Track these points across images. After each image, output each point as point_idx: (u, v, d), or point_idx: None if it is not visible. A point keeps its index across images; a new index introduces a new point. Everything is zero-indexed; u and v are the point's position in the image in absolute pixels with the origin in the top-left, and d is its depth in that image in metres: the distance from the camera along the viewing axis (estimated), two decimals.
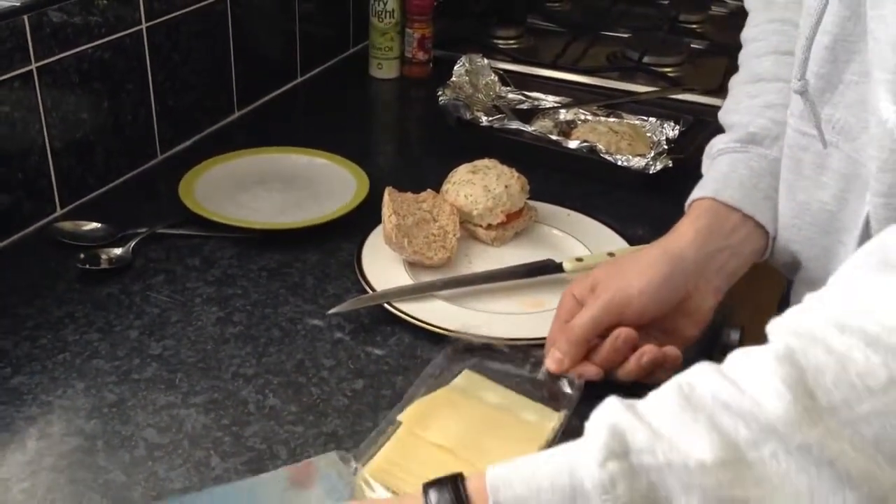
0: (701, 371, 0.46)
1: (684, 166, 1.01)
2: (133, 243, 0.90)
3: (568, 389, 0.70)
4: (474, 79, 1.21)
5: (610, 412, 0.46)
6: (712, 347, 0.94)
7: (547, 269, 0.86)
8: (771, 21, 0.79)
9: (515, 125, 1.09)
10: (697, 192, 0.76)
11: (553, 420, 0.67)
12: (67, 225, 0.92)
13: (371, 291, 0.82)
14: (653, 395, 0.46)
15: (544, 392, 0.70)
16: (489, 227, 0.91)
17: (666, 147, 1.07)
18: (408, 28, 1.33)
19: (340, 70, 1.39)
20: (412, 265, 0.86)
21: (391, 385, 0.73)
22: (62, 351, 0.76)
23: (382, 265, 0.86)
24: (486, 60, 1.23)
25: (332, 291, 0.85)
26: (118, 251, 0.88)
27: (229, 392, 0.72)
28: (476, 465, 0.61)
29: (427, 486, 0.50)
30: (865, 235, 0.61)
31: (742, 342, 1.00)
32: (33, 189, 0.92)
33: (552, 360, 0.70)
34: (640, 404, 0.46)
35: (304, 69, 1.33)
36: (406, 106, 1.35)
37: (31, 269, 0.86)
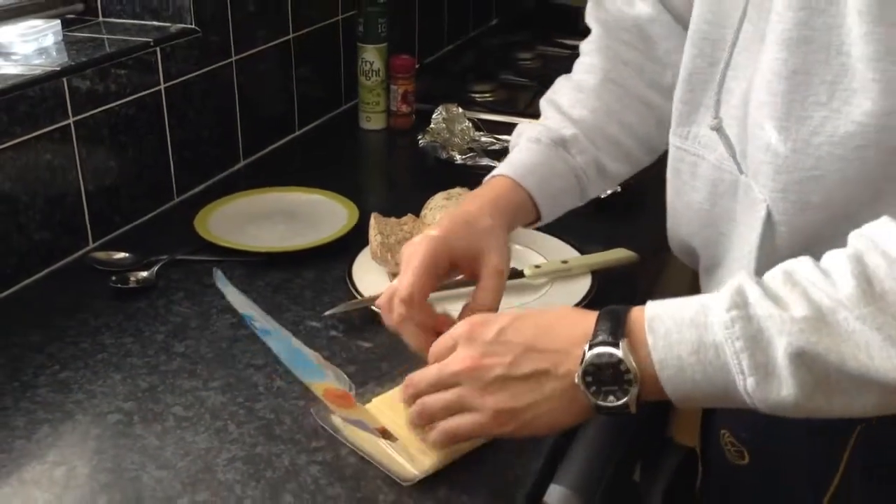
0: (800, 260, 0.62)
1: (631, 192, 1.17)
2: (156, 267, 1.04)
3: None
4: (451, 125, 1.37)
5: (738, 278, 0.62)
6: None
7: (510, 275, 1.00)
8: (608, 48, 0.94)
9: (486, 161, 1.25)
10: (504, 169, 0.89)
11: None
12: (100, 254, 1.07)
13: (361, 298, 0.97)
14: (766, 275, 0.62)
15: None
16: None
17: None
18: (392, 85, 1.51)
19: (333, 124, 1.56)
20: (395, 276, 1.01)
21: (377, 369, 0.88)
22: (101, 351, 0.90)
23: (370, 277, 1.01)
24: (460, 109, 1.39)
25: (328, 300, 0.99)
26: (144, 274, 1.03)
27: (242, 378, 0.86)
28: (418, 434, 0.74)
29: (601, 312, 0.65)
30: (768, 227, 0.72)
31: None
32: (70, 226, 1.07)
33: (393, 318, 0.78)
34: (757, 278, 0.62)
35: (301, 124, 1.50)
36: (392, 152, 1.52)
37: (70, 291, 1.01)
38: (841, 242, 0.62)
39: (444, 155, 1.25)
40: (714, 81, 0.76)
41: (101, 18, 1.24)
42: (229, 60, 1.29)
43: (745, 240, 0.75)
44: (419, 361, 0.86)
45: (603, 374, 0.63)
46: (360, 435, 0.76)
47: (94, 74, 1.07)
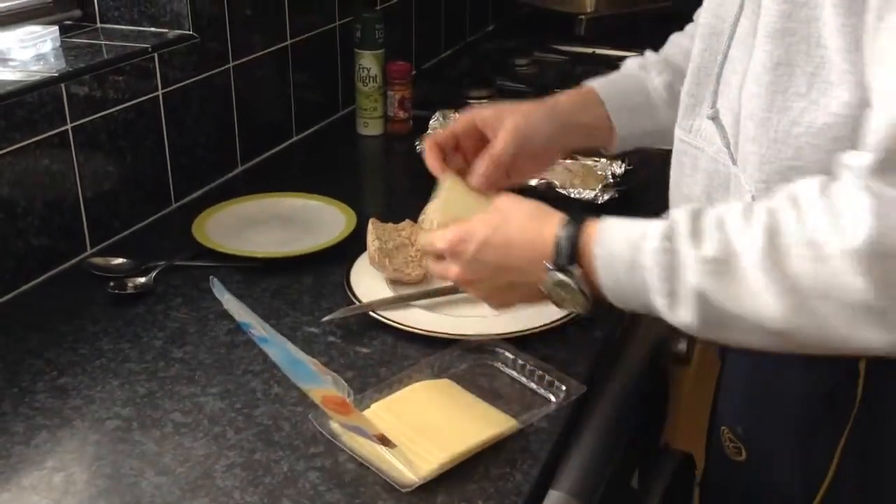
0: (733, 207, 0.67)
1: (628, 196, 1.18)
2: (154, 273, 1.05)
3: (549, 398, 0.84)
4: None
5: (678, 211, 0.68)
6: (662, 356, 1.08)
7: None
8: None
9: None
10: (593, 81, 0.99)
11: (503, 428, 0.79)
12: (98, 260, 1.07)
13: (359, 303, 0.97)
14: (709, 210, 0.67)
15: (515, 406, 0.83)
16: None
17: (612, 181, 1.23)
18: (389, 91, 1.51)
19: (331, 129, 1.56)
20: (393, 282, 1.01)
21: (376, 374, 0.88)
22: (99, 357, 0.90)
23: (368, 283, 1.01)
24: (457, 115, 1.39)
25: (326, 306, 0.99)
26: (142, 279, 1.03)
27: (240, 384, 0.86)
28: (416, 440, 0.76)
29: (564, 222, 0.74)
30: None
31: (689, 352, 1.14)
32: (68, 231, 1.08)
33: (480, 179, 0.91)
34: (700, 214, 0.67)
35: (298, 129, 1.50)
36: (389, 157, 1.52)
37: (69, 296, 1.01)
38: None
39: None
40: (714, 74, 0.78)
41: (98, 24, 1.24)
42: (227, 66, 1.30)
43: None
44: (418, 368, 0.87)
45: (562, 291, 0.74)
46: (358, 441, 0.76)
47: (92, 80, 1.07)
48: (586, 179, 1.24)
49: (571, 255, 0.72)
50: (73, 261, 1.08)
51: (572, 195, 1.18)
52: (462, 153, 0.95)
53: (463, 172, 0.93)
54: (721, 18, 0.77)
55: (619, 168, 1.27)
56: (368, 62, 1.48)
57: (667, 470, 1.13)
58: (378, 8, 1.65)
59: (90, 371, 0.88)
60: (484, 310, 0.97)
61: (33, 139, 1.00)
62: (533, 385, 0.86)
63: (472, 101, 1.62)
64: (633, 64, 1.01)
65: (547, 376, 0.85)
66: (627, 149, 1.04)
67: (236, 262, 1.07)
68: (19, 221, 1.01)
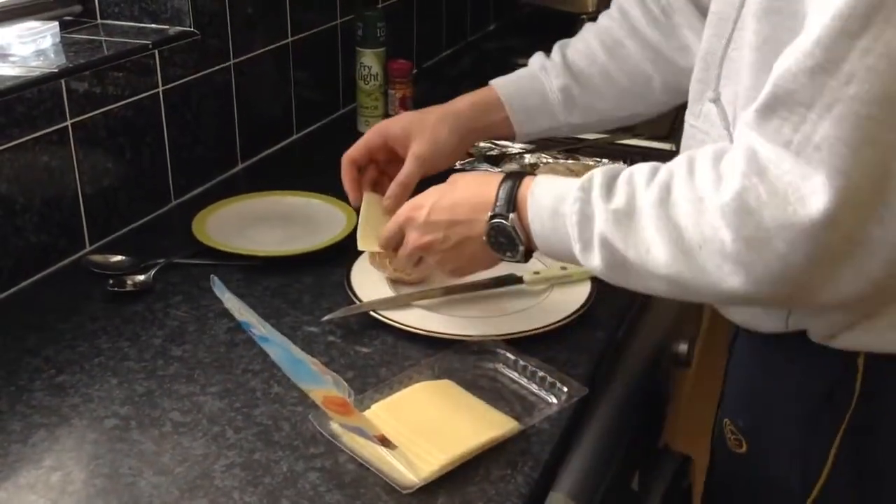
0: (647, 164, 0.73)
1: None
2: (154, 271, 1.04)
3: (550, 400, 0.84)
4: None
5: (599, 169, 0.75)
6: (663, 358, 1.08)
7: (509, 281, 1.00)
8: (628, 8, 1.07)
9: (485, 166, 1.24)
10: (496, 82, 1.07)
11: (503, 429, 0.78)
12: (97, 257, 1.07)
13: (359, 303, 0.97)
14: (632, 167, 0.73)
15: (516, 407, 0.83)
16: None
17: None
18: (390, 89, 1.50)
19: (332, 127, 1.56)
20: (394, 282, 1.01)
21: (376, 375, 0.87)
22: (97, 355, 0.90)
23: (369, 282, 1.00)
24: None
25: (326, 306, 0.99)
26: (141, 277, 1.03)
27: (240, 383, 0.86)
28: (417, 441, 0.75)
29: (505, 178, 0.82)
30: None
31: (690, 354, 1.13)
32: (67, 228, 1.07)
33: (389, 200, 1.00)
34: (618, 172, 0.74)
35: (299, 127, 1.49)
36: None
37: (67, 294, 1.01)
38: None
39: None
40: (719, 58, 0.79)
41: (99, 20, 1.23)
42: (228, 64, 1.29)
43: None
44: (418, 369, 0.86)
45: (500, 237, 0.81)
46: (359, 441, 0.76)
47: (91, 76, 1.07)
48: None
49: (509, 204, 0.80)
50: (72, 258, 1.08)
51: None
52: (375, 164, 1.05)
53: (378, 183, 1.05)
54: (729, 4, 0.78)
55: None
56: (370, 60, 1.48)
57: (667, 471, 1.12)
58: (379, 6, 1.64)
59: (88, 369, 0.87)
60: (485, 310, 0.97)
61: (32, 135, 1.00)
62: (534, 386, 0.85)
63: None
64: (535, 63, 1.08)
65: (548, 378, 0.85)
66: (530, 140, 1.19)
67: (236, 260, 1.07)
68: (18, 218, 1.00)
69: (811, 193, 0.61)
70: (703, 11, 0.97)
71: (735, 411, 0.89)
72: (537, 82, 1.06)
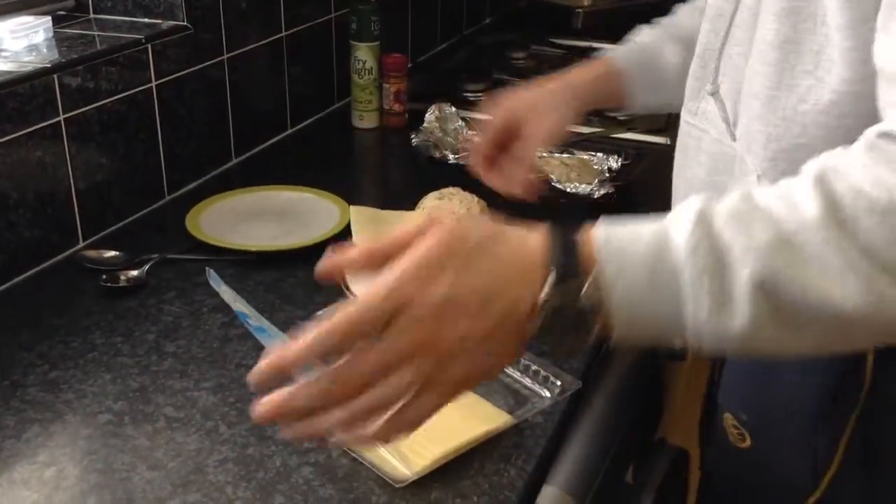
0: (758, 188, 0.58)
1: (624, 191, 1.17)
2: (147, 266, 1.04)
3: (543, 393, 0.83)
4: (443, 124, 1.37)
5: (696, 201, 0.57)
6: (657, 351, 1.08)
7: None
8: None
9: None
10: (616, 55, 1.07)
11: (497, 423, 0.78)
12: (91, 253, 1.06)
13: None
14: (723, 201, 0.57)
15: (509, 401, 0.83)
16: None
17: (608, 176, 1.22)
18: (385, 83, 1.50)
19: (326, 122, 1.55)
20: None
21: None
22: (91, 351, 0.90)
23: (362, 277, 1.00)
24: (453, 108, 1.39)
25: (319, 300, 0.99)
26: (135, 273, 1.03)
27: (234, 378, 0.86)
28: None
29: (550, 230, 0.57)
30: None
31: (684, 347, 1.14)
32: (60, 223, 1.07)
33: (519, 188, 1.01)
34: (715, 202, 0.57)
35: (293, 122, 1.49)
36: (385, 150, 1.51)
37: (60, 289, 1.00)
38: None
39: (437, 154, 1.25)
40: (717, 52, 0.79)
41: (91, 15, 1.23)
42: (221, 58, 1.29)
43: None
44: None
45: (565, 312, 0.56)
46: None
47: (84, 71, 1.06)
48: (583, 174, 1.24)
49: (572, 262, 0.56)
50: (66, 253, 1.07)
51: (568, 189, 1.17)
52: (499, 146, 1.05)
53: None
54: (726, 0, 0.78)
55: (615, 163, 1.27)
56: (364, 54, 1.47)
57: (662, 465, 1.13)
58: (373, 0, 1.64)
59: (82, 365, 0.87)
60: None
61: (25, 130, 1.00)
62: (527, 380, 0.85)
63: (468, 94, 1.62)
64: (648, 35, 1.07)
65: (542, 371, 0.85)
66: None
67: (230, 255, 1.06)
68: (11, 214, 1.00)
69: None
70: None
71: (737, 405, 0.88)
72: (654, 56, 1.05)
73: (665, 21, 1.09)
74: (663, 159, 1.35)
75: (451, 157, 1.25)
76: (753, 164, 0.74)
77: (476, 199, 1.08)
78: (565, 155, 1.31)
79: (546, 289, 0.55)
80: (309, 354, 0.56)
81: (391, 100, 1.50)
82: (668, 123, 1.47)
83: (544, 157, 1.32)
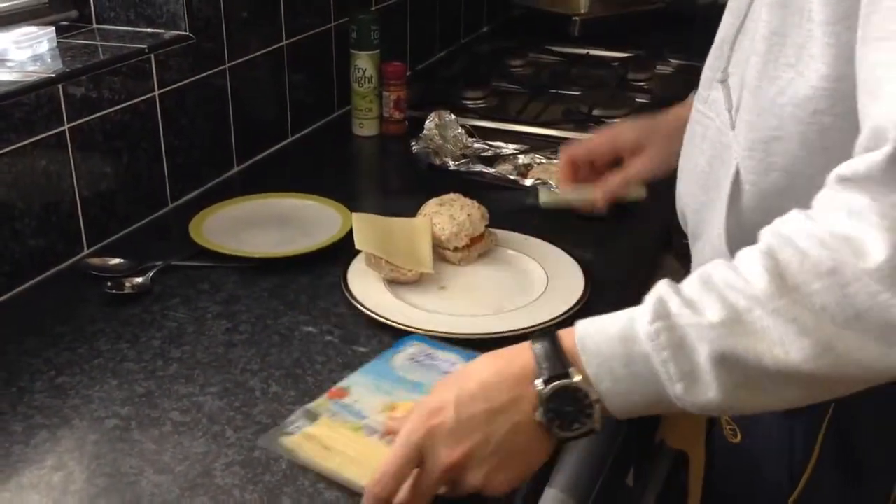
0: (715, 264, 0.64)
1: (626, 207, 1.18)
2: (151, 273, 1.05)
3: None
4: (443, 131, 1.38)
5: (658, 288, 0.64)
6: None
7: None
8: None
9: (479, 167, 1.25)
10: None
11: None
12: (95, 260, 1.07)
13: (358, 305, 0.97)
14: (684, 282, 0.64)
15: None
16: (456, 249, 1.06)
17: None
18: (385, 91, 1.51)
19: (327, 130, 1.56)
20: (390, 282, 1.02)
21: None
22: (97, 357, 0.90)
23: (365, 282, 1.01)
24: (453, 116, 1.40)
25: (322, 306, 1.00)
26: (139, 280, 1.04)
27: (239, 383, 0.87)
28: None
29: (533, 339, 0.67)
30: (736, 187, 0.76)
31: None
32: (65, 231, 1.08)
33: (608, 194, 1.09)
34: (678, 285, 0.64)
35: (294, 130, 1.50)
36: (385, 158, 1.52)
37: (65, 297, 1.01)
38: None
39: (437, 161, 1.26)
40: (730, 42, 0.81)
41: (94, 25, 1.24)
42: (223, 67, 1.30)
43: (718, 210, 0.78)
44: None
45: (565, 404, 0.65)
46: (318, 454, 0.75)
47: (88, 81, 1.08)
48: None
49: (560, 360, 0.65)
50: (70, 261, 1.08)
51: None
52: (593, 165, 1.11)
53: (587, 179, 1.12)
54: None
55: None
56: (364, 63, 1.49)
57: (663, 468, 1.13)
58: (373, 9, 1.65)
59: (88, 370, 0.88)
60: (482, 307, 0.98)
61: (30, 140, 1.01)
62: None
63: (467, 101, 1.63)
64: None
65: None
66: None
67: (233, 262, 1.07)
68: (16, 222, 1.01)
69: None
70: None
71: None
72: None
73: None
74: (666, 177, 1.36)
75: (451, 163, 1.26)
76: (736, 151, 0.75)
77: (477, 204, 1.09)
78: None
79: (541, 386, 0.65)
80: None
81: (391, 107, 1.51)
82: None
83: (542, 163, 1.33)
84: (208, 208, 1.18)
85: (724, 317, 0.60)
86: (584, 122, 1.54)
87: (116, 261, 1.07)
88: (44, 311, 0.98)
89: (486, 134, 1.44)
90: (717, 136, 0.80)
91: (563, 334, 0.66)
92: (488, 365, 0.69)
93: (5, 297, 1.01)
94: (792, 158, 0.71)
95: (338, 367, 0.89)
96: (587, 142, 1.11)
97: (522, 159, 1.35)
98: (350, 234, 1.07)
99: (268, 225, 1.17)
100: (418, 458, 0.67)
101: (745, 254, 0.62)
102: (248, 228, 1.16)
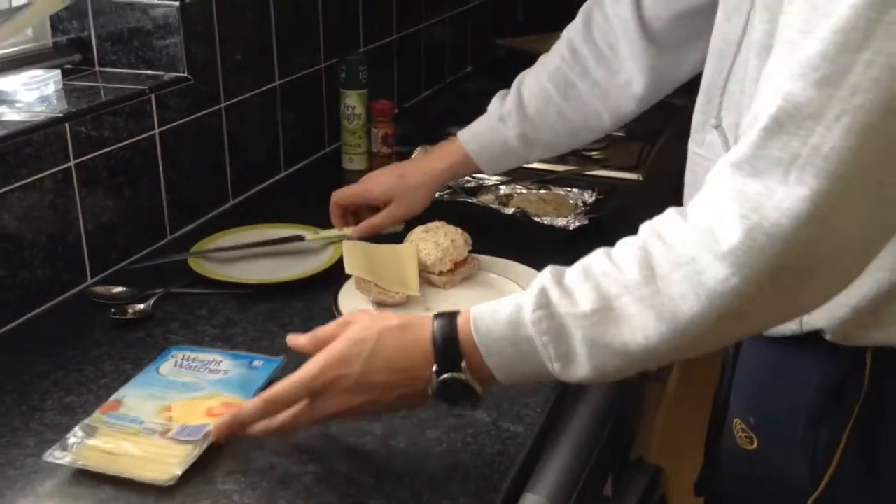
0: (596, 254, 0.74)
1: (598, 223, 1.25)
2: (153, 300, 1.11)
3: None
4: None
5: (543, 277, 0.74)
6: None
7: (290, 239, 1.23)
8: (577, 45, 1.19)
9: (462, 198, 1.32)
10: (460, 133, 1.25)
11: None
12: (99, 288, 1.13)
13: None
14: (568, 270, 0.73)
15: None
16: (440, 273, 1.13)
17: (583, 209, 1.30)
18: (373, 128, 1.59)
19: (318, 165, 1.64)
20: (378, 304, 1.08)
21: None
22: (103, 377, 0.96)
23: (354, 305, 1.07)
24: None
25: (315, 328, 1.05)
26: (141, 306, 1.09)
27: None
28: None
29: (435, 315, 0.77)
30: None
31: (661, 370, 1.20)
32: (71, 262, 1.14)
33: (358, 233, 1.22)
34: (562, 273, 0.73)
35: (287, 165, 1.57)
36: None
37: (72, 323, 1.07)
38: None
39: None
40: (720, 89, 0.87)
41: (97, 68, 1.31)
42: (219, 106, 1.37)
43: None
44: None
45: (454, 390, 0.76)
46: (102, 461, 0.80)
47: (92, 120, 1.14)
48: (559, 208, 1.32)
49: (453, 352, 0.75)
50: (76, 290, 1.14)
51: (546, 222, 1.25)
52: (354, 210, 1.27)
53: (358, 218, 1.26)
54: (727, 42, 0.86)
55: (589, 197, 1.35)
56: (353, 101, 1.56)
57: (640, 481, 1.19)
58: (362, 50, 1.73)
59: (95, 390, 0.94)
60: None
61: (39, 175, 1.07)
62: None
63: (452, 136, 1.69)
64: (494, 113, 1.22)
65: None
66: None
67: (230, 288, 1.14)
68: (26, 252, 1.07)
69: (802, 208, 0.63)
70: (650, 42, 1.12)
71: (745, 411, 0.93)
72: (498, 133, 1.21)
73: (516, 82, 1.24)
74: (634, 194, 1.45)
75: (435, 194, 1.33)
76: None
77: (459, 231, 1.16)
78: (543, 191, 1.40)
79: (434, 375, 0.75)
80: (259, 416, 0.80)
81: (379, 143, 1.59)
82: (640, 160, 1.56)
83: (522, 193, 1.41)
84: (206, 238, 1.24)
85: (596, 306, 0.70)
86: (564, 156, 1.61)
87: (119, 289, 1.13)
88: (52, 336, 1.04)
89: None
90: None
91: (460, 320, 0.75)
92: (398, 338, 0.78)
93: (16, 322, 1.06)
94: None
95: None
96: (346, 190, 1.28)
97: (504, 190, 1.42)
98: (341, 260, 1.13)
99: (263, 253, 1.24)
100: (311, 395, 0.78)
101: (623, 245, 0.72)
102: (244, 257, 1.22)
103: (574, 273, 0.73)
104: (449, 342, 0.75)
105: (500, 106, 1.22)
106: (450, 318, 0.76)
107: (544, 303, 0.72)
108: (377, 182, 1.25)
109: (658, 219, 0.72)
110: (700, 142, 0.91)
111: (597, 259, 0.73)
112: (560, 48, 1.20)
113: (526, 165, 1.55)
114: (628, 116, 1.19)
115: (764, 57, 0.75)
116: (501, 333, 0.73)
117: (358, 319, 0.80)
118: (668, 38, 1.12)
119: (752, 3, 0.80)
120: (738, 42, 0.84)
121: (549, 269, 0.74)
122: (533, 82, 1.21)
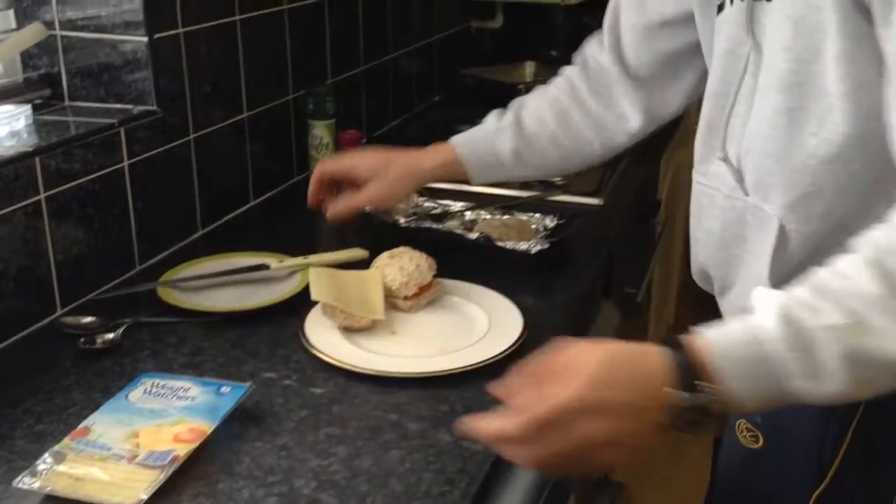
0: (820, 274, 0.72)
1: (559, 247, 1.29)
2: (122, 329, 1.12)
3: None
4: None
5: (768, 297, 0.71)
6: None
7: (257, 268, 1.23)
8: (575, 80, 1.25)
9: (427, 224, 1.36)
10: (456, 140, 1.28)
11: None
12: (69, 319, 1.15)
13: (315, 350, 1.06)
14: (793, 291, 0.71)
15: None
16: (406, 297, 1.16)
17: (544, 233, 1.34)
18: None
19: (286, 194, 1.66)
20: (345, 329, 1.10)
21: (329, 412, 0.96)
22: (72, 405, 0.98)
23: (321, 331, 1.10)
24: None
25: (282, 353, 1.08)
26: (111, 336, 1.11)
27: None
28: None
29: (663, 345, 0.72)
30: (782, 237, 0.87)
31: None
32: (41, 293, 1.16)
33: (334, 215, 1.27)
34: (790, 292, 0.71)
35: (255, 195, 1.60)
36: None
37: (42, 353, 1.09)
38: (841, 247, 0.74)
39: (388, 219, 1.36)
40: (723, 125, 0.94)
41: (67, 102, 1.34)
42: (188, 139, 1.40)
43: (757, 255, 0.90)
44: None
45: (694, 414, 0.71)
46: (70, 486, 0.82)
47: (62, 154, 1.17)
48: (521, 232, 1.35)
49: (693, 373, 0.70)
50: (46, 321, 1.16)
51: (508, 247, 1.29)
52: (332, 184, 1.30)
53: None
54: (727, 82, 0.93)
55: (550, 222, 1.39)
56: (321, 131, 1.59)
57: (603, 500, 1.22)
58: (329, 81, 1.77)
59: (65, 419, 0.95)
60: (427, 350, 1.07)
61: (9, 208, 1.09)
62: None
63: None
64: (491, 124, 1.26)
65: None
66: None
67: (199, 317, 1.16)
68: None
69: None
70: (638, 83, 1.19)
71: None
72: (492, 144, 1.25)
73: (515, 104, 1.27)
74: (594, 218, 1.49)
75: (402, 220, 1.36)
76: (772, 210, 0.88)
77: (425, 256, 1.19)
78: (506, 216, 1.43)
79: (674, 401, 0.70)
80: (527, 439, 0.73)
81: None
82: (601, 185, 1.60)
83: (487, 219, 1.44)
84: (175, 268, 1.27)
85: (846, 320, 0.68)
86: (528, 182, 1.65)
87: (89, 319, 1.15)
88: (23, 366, 1.05)
89: (435, 193, 1.54)
90: (728, 202, 0.93)
91: (691, 342, 0.72)
92: (614, 358, 0.73)
93: None
94: (829, 205, 0.85)
95: (295, 406, 0.97)
96: (333, 163, 1.31)
97: (469, 215, 1.45)
98: (307, 287, 1.16)
99: (230, 282, 1.26)
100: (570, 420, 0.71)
101: (849, 264, 0.71)
102: (212, 286, 1.24)
103: (804, 292, 0.71)
104: (684, 363, 0.71)
105: (499, 119, 1.26)
106: (674, 341, 0.72)
107: (788, 319, 0.69)
108: (364, 161, 1.28)
109: (876, 234, 0.72)
110: (704, 172, 0.98)
111: (826, 278, 0.71)
112: (558, 82, 1.26)
113: (490, 191, 1.61)
114: (618, 149, 1.25)
115: (790, 94, 0.84)
116: (742, 355, 0.70)
117: (578, 345, 0.75)
118: (653, 79, 1.18)
119: (751, 45, 0.87)
120: (738, 81, 0.91)
121: (767, 290, 0.72)
122: (532, 105, 1.26)
